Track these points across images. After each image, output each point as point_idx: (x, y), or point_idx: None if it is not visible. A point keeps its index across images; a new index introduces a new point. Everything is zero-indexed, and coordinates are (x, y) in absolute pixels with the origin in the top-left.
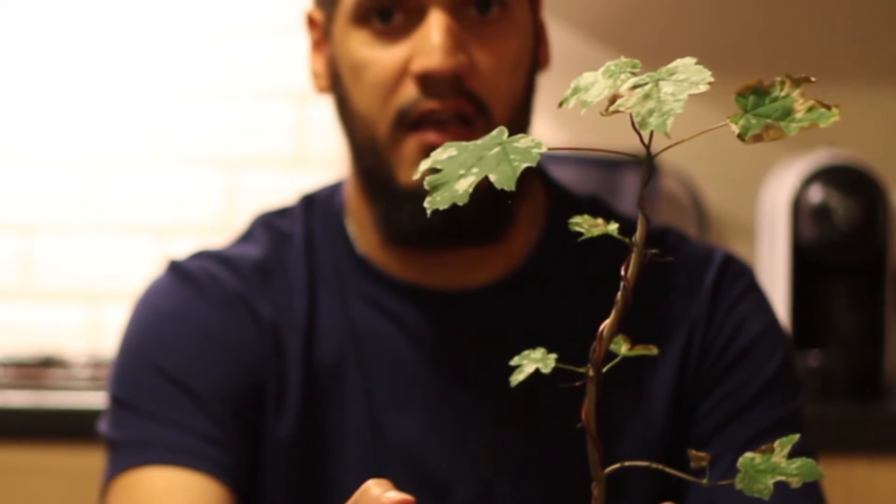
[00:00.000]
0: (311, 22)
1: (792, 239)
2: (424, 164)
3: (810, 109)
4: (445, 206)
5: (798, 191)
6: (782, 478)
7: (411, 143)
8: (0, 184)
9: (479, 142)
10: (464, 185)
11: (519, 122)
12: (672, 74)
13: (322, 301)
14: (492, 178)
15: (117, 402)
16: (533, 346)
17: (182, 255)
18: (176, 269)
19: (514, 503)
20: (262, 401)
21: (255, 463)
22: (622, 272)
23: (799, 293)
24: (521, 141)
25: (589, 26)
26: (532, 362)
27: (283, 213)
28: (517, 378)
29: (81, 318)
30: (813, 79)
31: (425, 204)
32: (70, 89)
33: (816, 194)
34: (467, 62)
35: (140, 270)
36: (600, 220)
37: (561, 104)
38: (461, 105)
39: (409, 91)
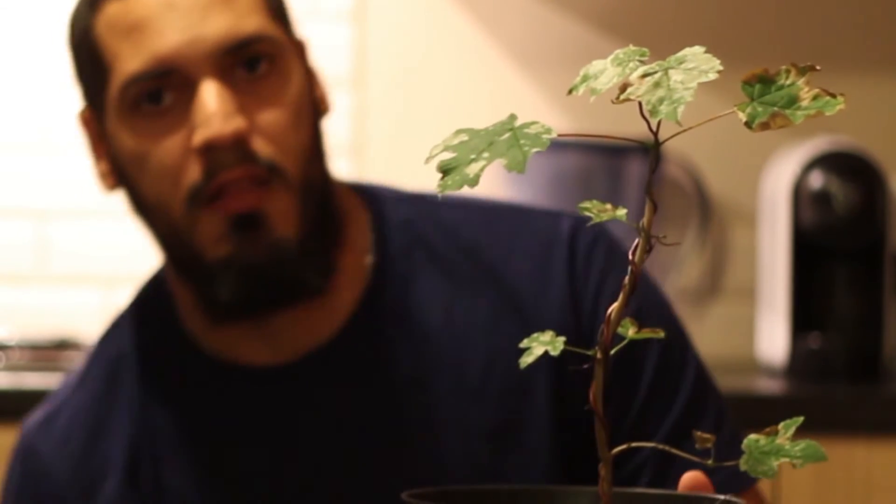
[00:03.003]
0: (85, 122)
1: (793, 224)
2: (436, 150)
3: (815, 97)
4: (457, 189)
5: (798, 177)
6: (786, 459)
7: (213, 218)
8: (16, 169)
9: (490, 127)
10: (475, 170)
11: (314, 173)
12: (681, 63)
13: (154, 408)
14: (502, 162)
15: None
16: (352, 418)
17: (30, 421)
18: (17, 447)
19: None
20: None
21: None
22: (629, 256)
23: (799, 277)
24: (532, 127)
25: (596, 16)
26: (541, 345)
27: (115, 328)
28: (526, 361)
29: (96, 302)
30: (818, 67)
31: (436, 188)
32: None
33: (816, 180)
34: (247, 125)
35: (153, 254)
36: (609, 206)
37: (570, 91)
38: (251, 170)
39: (195, 169)
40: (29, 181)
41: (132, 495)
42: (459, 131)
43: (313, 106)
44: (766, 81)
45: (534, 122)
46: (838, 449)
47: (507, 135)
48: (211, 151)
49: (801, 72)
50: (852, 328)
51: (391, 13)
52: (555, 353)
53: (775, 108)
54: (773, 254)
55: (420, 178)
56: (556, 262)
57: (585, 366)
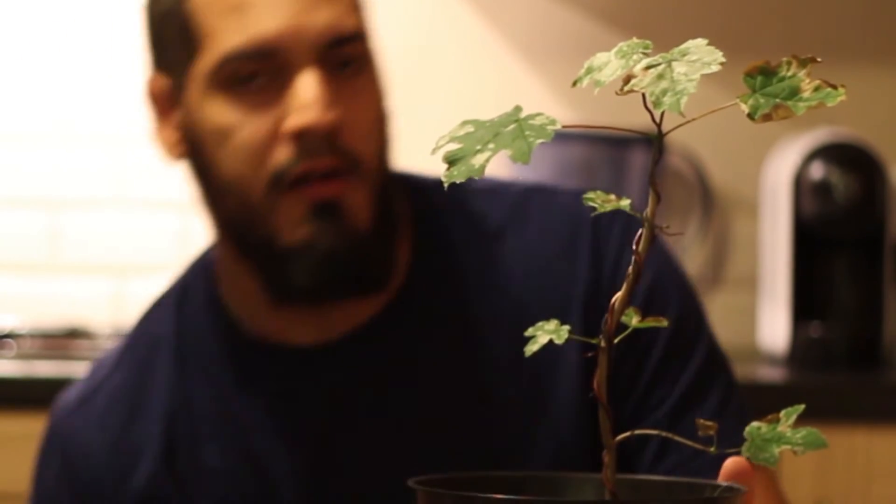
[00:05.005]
0: (155, 88)
1: (794, 214)
2: (442, 141)
3: (817, 89)
4: (462, 180)
5: (799, 167)
6: (788, 447)
7: (294, 202)
8: (29, 159)
9: (496, 118)
10: (480, 160)
11: (387, 172)
12: (684, 55)
13: (191, 388)
14: (507, 153)
15: None
16: (395, 394)
17: (60, 401)
18: (51, 430)
19: None
20: None
21: None
22: (633, 246)
23: (800, 266)
24: (537, 118)
25: (600, 8)
26: (546, 333)
27: (155, 310)
28: (531, 349)
29: (107, 291)
30: (819, 59)
31: (442, 178)
32: (95, 66)
33: (817, 171)
34: (342, 117)
35: (164, 244)
36: (612, 196)
37: (575, 83)
38: (336, 161)
39: (284, 152)
40: (41, 171)
41: (167, 475)
42: (465, 122)
43: (387, 109)
44: (767, 73)
45: (538, 114)
46: (839, 436)
47: (512, 126)
48: (303, 137)
49: (803, 63)
50: (853, 317)
51: (396, 6)
52: (559, 341)
53: (777, 100)
54: (774, 243)
55: (425, 170)
56: (581, 241)
57: (589, 354)
